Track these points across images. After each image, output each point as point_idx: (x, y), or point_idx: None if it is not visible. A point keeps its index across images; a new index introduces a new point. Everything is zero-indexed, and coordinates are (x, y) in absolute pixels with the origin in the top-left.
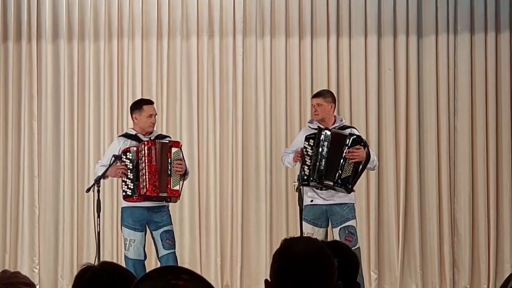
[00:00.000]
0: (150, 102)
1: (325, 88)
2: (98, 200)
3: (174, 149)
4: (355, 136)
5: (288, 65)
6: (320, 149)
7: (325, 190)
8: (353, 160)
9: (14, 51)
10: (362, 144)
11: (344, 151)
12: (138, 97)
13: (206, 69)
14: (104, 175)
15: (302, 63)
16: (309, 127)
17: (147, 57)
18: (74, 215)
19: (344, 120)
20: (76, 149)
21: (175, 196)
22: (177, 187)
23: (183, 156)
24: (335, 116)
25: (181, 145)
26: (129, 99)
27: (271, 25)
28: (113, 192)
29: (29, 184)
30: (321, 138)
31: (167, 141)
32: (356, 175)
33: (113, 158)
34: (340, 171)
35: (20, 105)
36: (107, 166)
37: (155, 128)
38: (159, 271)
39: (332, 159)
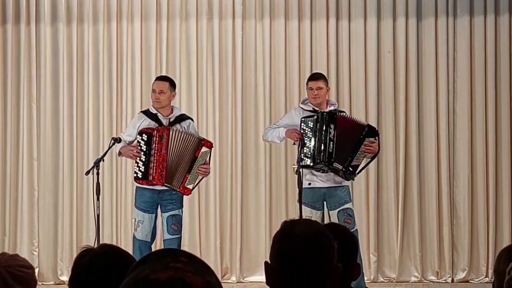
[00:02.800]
0: (159, 78)
1: (324, 70)
2: (98, 183)
3: (204, 149)
4: (369, 126)
5: (288, 48)
6: (326, 132)
7: (325, 172)
8: (367, 153)
9: (13, 33)
10: (378, 137)
11: (359, 139)
12: (137, 80)
13: (206, 51)
14: (118, 153)
15: (302, 46)
16: (302, 108)
17: (146, 39)
18: (73, 197)
19: (337, 104)
20: (75, 132)
21: (185, 194)
22: (190, 186)
23: (209, 157)
24: (327, 100)
25: (212, 146)
26: (128, 82)
27: (271, 7)
28: (113, 174)
29: (28, 167)
30: (326, 120)
31: (201, 138)
32: (363, 165)
33: (112, 141)
34: (351, 158)
35: (19, 88)
36: (106, 150)
37: (176, 106)
38: (157, 253)
39: (342, 143)
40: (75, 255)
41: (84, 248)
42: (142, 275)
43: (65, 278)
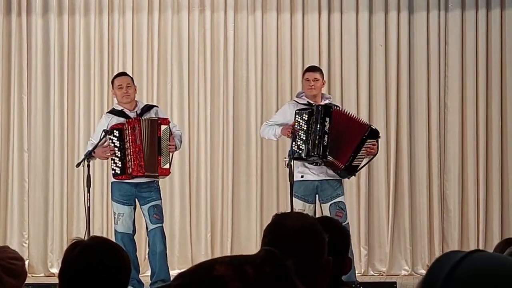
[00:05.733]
0: (120, 74)
1: (316, 64)
2: (88, 175)
3: (163, 127)
4: (374, 128)
5: (279, 40)
6: (322, 125)
7: (318, 165)
8: (368, 155)
9: (4, 25)
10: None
11: (362, 140)
12: (129, 72)
13: (197, 44)
14: (92, 154)
15: (294, 39)
16: (297, 101)
17: (137, 31)
18: (64, 189)
19: (332, 98)
20: (66, 124)
21: (166, 174)
22: (167, 166)
23: (170, 131)
24: (322, 93)
25: (169, 121)
26: None
27: (262, 0)
28: (103, 167)
29: (18, 159)
30: (322, 113)
31: (156, 118)
32: (361, 166)
33: (103, 133)
34: (352, 158)
35: (10, 79)
36: (97, 142)
37: (140, 100)
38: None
39: (337, 138)
40: (65, 247)
41: (74, 240)
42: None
43: (55, 270)
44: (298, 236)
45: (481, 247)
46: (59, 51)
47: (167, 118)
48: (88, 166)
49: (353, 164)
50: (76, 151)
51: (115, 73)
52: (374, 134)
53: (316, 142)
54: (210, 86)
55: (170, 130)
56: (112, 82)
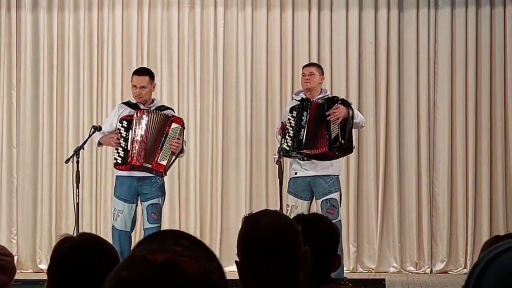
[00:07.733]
0: (138, 72)
1: (306, 61)
2: (77, 171)
3: (174, 125)
4: (328, 98)
5: (269, 37)
6: (300, 120)
7: (307, 160)
8: (335, 119)
9: None
10: (340, 102)
11: (326, 116)
12: (118, 68)
13: (187, 40)
14: (98, 143)
15: (283, 35)
16: (295, 99)
17: (127, 27)
18: (52, 186)
19: (328, 92)
20: (55, 120)
21: (159, 170)
22: (163, 162)
23: (182, 135)
24: (321, 89)
25: (183, 123)
26: (108, 70)
27: None
28: (92, 163)
29: (7, 154)
30: (302, 108)
31: (170, 115)
32: (345, 131)
33: (92, 129)
34: (328, 135)
35: None
36: (86, 138)
37: (157, 99)
38: (161, 233)
39: (313, 128)
40: (54, 244)
41: (63, 237)
42: (140, 254)
43: (44, 266)
44: (275, 233)
45: (469, 245)
46: (49, 47)
47: (182, 119)
48: (77, 162)
49: (332, 137)
50: (65, 147)
51: (104, 69)
52: (332, 102)
53: (295, 138)
54: (199, 83)
55: (182, 133)
56: (132, 76)
